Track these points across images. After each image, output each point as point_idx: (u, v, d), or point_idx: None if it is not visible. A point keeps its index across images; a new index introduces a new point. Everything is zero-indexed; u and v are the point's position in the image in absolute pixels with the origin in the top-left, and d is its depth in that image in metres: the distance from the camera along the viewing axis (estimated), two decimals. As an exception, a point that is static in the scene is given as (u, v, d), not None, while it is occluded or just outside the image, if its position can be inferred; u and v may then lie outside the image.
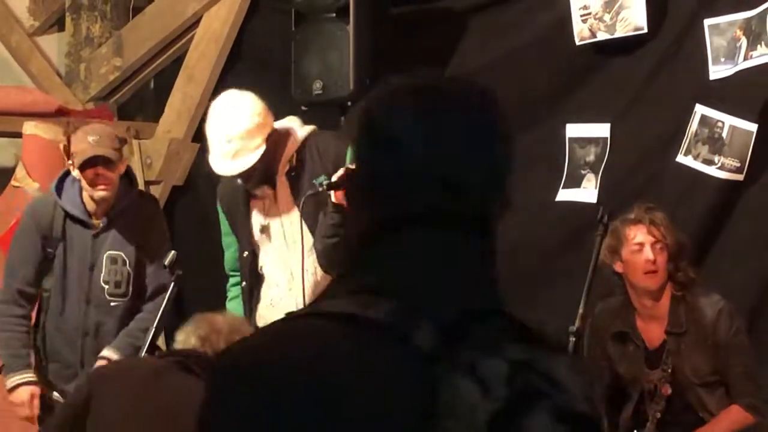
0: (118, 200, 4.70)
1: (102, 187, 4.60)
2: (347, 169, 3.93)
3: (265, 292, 4.55)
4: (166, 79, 6.77)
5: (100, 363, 4.58)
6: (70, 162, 4.69)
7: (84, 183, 4.61)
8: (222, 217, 4.69)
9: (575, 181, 5.34)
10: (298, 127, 4.54)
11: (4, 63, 7.08)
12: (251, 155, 4.32)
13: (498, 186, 1.61)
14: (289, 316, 1.58)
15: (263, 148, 4.33)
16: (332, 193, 4.08)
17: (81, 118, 6.67)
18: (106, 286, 4.67)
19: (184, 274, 4.47)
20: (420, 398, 1.41)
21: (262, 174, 4.43)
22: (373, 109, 1.62)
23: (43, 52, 7.06)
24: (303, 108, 5.74)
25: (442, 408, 1.40)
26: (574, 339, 3.55)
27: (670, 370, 4.34)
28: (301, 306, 4.43)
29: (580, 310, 3.61)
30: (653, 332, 4.39)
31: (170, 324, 4.73)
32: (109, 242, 4.69)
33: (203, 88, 6.33)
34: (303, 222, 4.36)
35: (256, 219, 4.53)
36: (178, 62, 6.59)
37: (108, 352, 4.62)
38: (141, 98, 7.03)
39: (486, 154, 1.61)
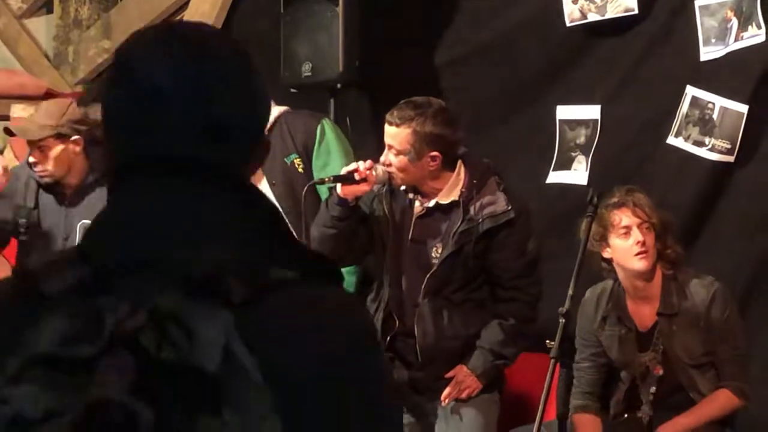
0: (91, 169, 4.70)
1: (40, 173, 4.63)
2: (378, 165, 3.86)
3: None
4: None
5: None
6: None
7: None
8: None
9: (565, 164, 5.33)
10: (274, 109, 4.53)
11: (-8, 46, 7.05)
12: None
13: (257, 130, 1.56)
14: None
15: None
16: (338, 185, 4.07)
17: (70, 100, 6.66)
18: None
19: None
20: None
21: None
22: (122, 52, 1.56)
23: (31, 34, 7.03)
24: (292, 90, 5.73)
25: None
26: (563, 321, 3.53)
27: (661, 351, 4.33)
28: None
29: (570, 292, 3.60)
30: (644, 314, 4.38)
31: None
32: (82, 211, 4.69)
33: (192, 71, 6.29)
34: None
35: None
36: (166, 45, 6.56)
37: None
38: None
39: (244, 96, 1.53)
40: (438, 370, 4.11)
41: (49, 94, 6.51)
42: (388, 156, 4.06)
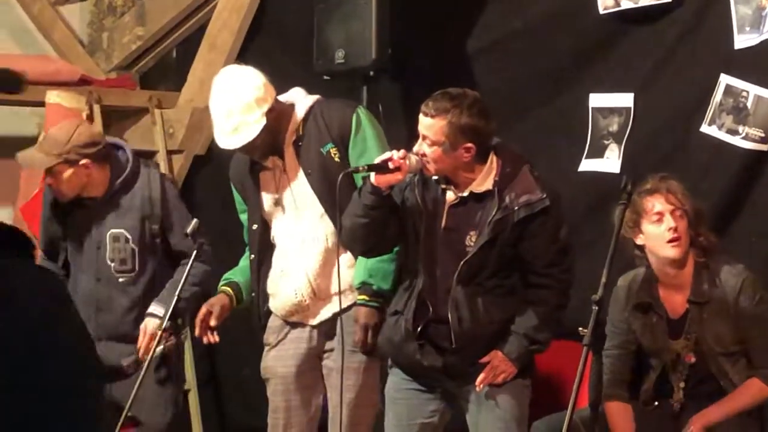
0: (113, 179, 4.76)
1: (56, 195, 4.81)
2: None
3: (276, 260, 4.57)
4: (188, 48, 6.77)
5: (149, 319, 4.71)
6: None
7: None
8: (235, 193, 4.70)
9: (598, 151, 5.32)
10: (302, 98, 4.54)
11: (27, 32, 7.09)
12: (250, 129, 4.33)
13: None
14: None
15: (263, 122, 4.34)
16: (372, 174, 4.09)
17: (104, 87, 6.69)
18: (112, 264, 4.78)
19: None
20: None
21: (266, 147, 4.44)
22: None
23: (65, 21, 7.06)
24: (325, 77, 5.74)
25: None
26: (596, 308, 3.53)
27: (693, 339, 4.33)
28: (309, 274, 4.46)
29: (603, 279, 3.59)
30: (676, 302, 4.38)
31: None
32: (111, 221, 4.77)
33: (225, 57, 6.32)
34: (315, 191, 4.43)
35: (268, 192, 4.54)
36: (200, 31, 6.60)
37: (154, 307, 4.74)
38: (163, 67, 7.03)
39: None
40: (472, 356, 4.13)
41: (83, 80, 6.55)
42: (421, 146, 4.07)
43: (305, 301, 4.48)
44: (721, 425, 4.26)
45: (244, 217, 4.70)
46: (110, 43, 6.93)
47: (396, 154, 4.03)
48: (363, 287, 4.42)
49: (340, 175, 4.19)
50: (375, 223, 4.12)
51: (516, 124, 5.38)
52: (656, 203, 4.31)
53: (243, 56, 6.41)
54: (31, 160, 4.83)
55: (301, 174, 4.45)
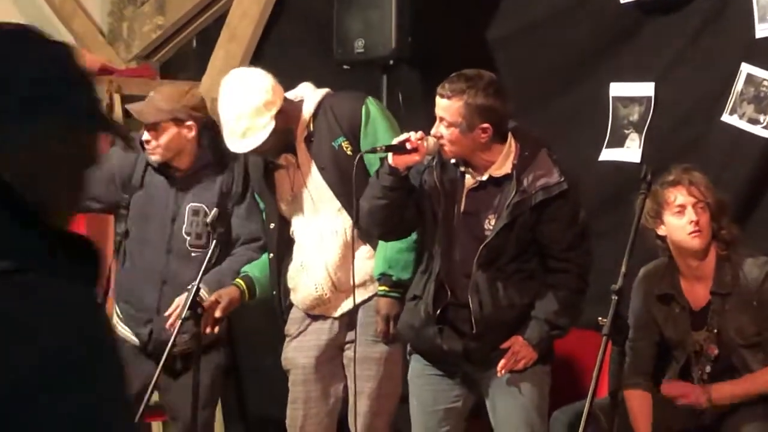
0: (201, 155, 4.74)
1: (150, 152, 4.68)
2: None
3: (296, 254, 4.58)
4: (208, 37, 6.78)
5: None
6: None
7: None
8: (253, 185, 4.71)
9: (619, 141, 5.31)
10: (311, 93, 4.53)
11: (47, 22, 7.10)
12: (260, 133, 4.35)
13: None
14: None
15: (272, 125, 4.35)
16: (389, 155, 4.09)
17: (124, 76, 6.71)
18: (188, 237, 4.74)
19: (227, 231, 4.50)
20: None
21: (278, 146, 4.46)
22: None
23: (86, 10, 7.08)
24: (344, 67, 5.74)
25: None
26: (615, 298, 3.53)
27: (715, 331, 4.32)
28: (329, 267, 4.46)
29: (623, 269, 3.59)
30: (698, 293, 4.37)
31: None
32: (191, 194, 4.74)
33: (245, 47, 6.33)
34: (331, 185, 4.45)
35: (284, 189, 4.55)
36: (220, 20, 6.60)
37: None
38: (183, 57, 7.04)
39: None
40: (493, 341, 4.13)
41: (103, 70, 6.56)
42: (438, 128, 4.07)
43: (326, 294, 4.49)
44: (744, 408, 4.25)
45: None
46: (130, 33, 6.94)
47: (413, 135, 4.04)
48: (383, 278, 4.43)
49: (357, 156, 4.20)
50: (393, 205, 4.13)
51: (536, 113, 5.37)
52: (678, 195, 4.30)
53: (262, 46, 6.42)
54: (140, 112, 4.73)
55: (315, 170, 4.46)
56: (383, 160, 4.15)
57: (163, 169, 4.78)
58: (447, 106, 4.05)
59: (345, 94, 4.60)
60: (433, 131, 4.09)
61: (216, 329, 4.56)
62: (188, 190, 4.77)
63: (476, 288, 4.08)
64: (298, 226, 4.57)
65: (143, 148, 4.75)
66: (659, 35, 5.22)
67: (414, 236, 4.37)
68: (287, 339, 4.69)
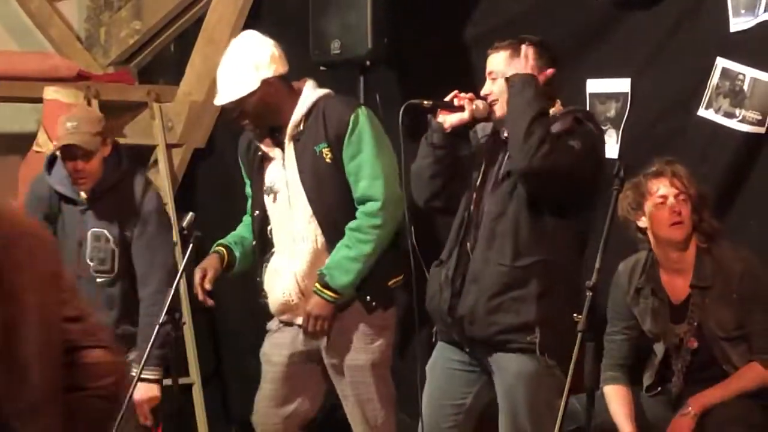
0: (106, 177, 4.70)
1: (81, 182, 4.65)
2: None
3: (273, 257, 4.55)
4: (186, 41, 6.77)
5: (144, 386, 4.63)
6: (55, 143, 4.71)
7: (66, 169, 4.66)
8: (242, 165, 4.69)
9: (596, 137, 5.31)
10: (309, 91, 4.50)
11: (24, 28, 7.08)
12: (240, 88, 4.34)
13: None
14: None
15: (256, 86, 4.33)
16: (437, 111, 4.10)
17: (102, 82, 6.69)
18: (91, 263, 4.69)
19: (205, 236, 4.48)
20: None
21: (258, 120, 4.40)
22: None
23: (62, 16, 7.06)
24: (321, 68, 5.74)
25: None
26: (590, 294, 3.52)
27: (695, 324, 4.33)
28: (297, 274, 4.42)
29: (597, 265, 3.59)
30: (678, 286, 4.38)
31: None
32: (94, 219, 4.71)
33: (223, 50, 6.29)
34: (305, 186, 4.41)
35: (269, 184, 4.52)
36: (197, 24, 6.59)
37: (144, 373, 4.53)
38: (161, 61, 7.03)
39: None
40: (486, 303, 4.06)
41: (81, 76, 6.55)
42: (486, 86, 4.08)
43: (293, 300, 4.47)
44: (725, 407, 4.26)
45: (248, 188, 4.68)
46: (108, 38, 6.93)
47: (462, 94, 4.05)
48: (319, 275, 4.38)
49: (402, 109, 4.11)
50: (438, 164, 4.10)
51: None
52: (661, 186, 4.32)
53: (240, 49, 6.41)
54: (85, 142, 4.64)
55: (296, 172, 4.43)
56: (431, 118, 4.14)
57: (68, 193, 4.75)
58: (495, 58, 4.11)
59: (340, 99, 4.56)
60: (483, 91, 4.09)
61: (212, 302, 4.47)
62: (92, 213, 4.73)
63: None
64: (276, 227, 4.55)
65: (49, 173, 4.72)
66: (635, 31, 5.23)
67: (368, 249, 4.34)
68: (268, 333, 4.67)
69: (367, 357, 4.47)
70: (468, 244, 4.09)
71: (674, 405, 4.35)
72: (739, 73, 4.86)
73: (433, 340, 4.32)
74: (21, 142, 6.44)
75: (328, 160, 4.37)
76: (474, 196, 4.11)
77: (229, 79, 4.38)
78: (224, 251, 4.58)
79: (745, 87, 4.84)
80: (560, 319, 3.92)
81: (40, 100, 6.19)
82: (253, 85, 4.33)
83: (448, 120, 4.07)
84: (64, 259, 4.64)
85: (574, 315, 3.53)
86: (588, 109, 5.26)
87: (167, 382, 4.66)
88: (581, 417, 4.01)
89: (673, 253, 4.36)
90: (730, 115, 4.88)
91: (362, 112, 4.43)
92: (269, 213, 4.53)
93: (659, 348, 4.44)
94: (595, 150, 4.04)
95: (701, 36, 5.01)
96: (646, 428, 4.41)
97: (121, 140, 6.77)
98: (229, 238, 4.66)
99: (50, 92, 6.14)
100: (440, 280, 4.13)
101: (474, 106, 4.05)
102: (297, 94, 4.45)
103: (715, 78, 4.92)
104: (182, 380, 6.23)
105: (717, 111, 4.92)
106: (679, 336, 4.37)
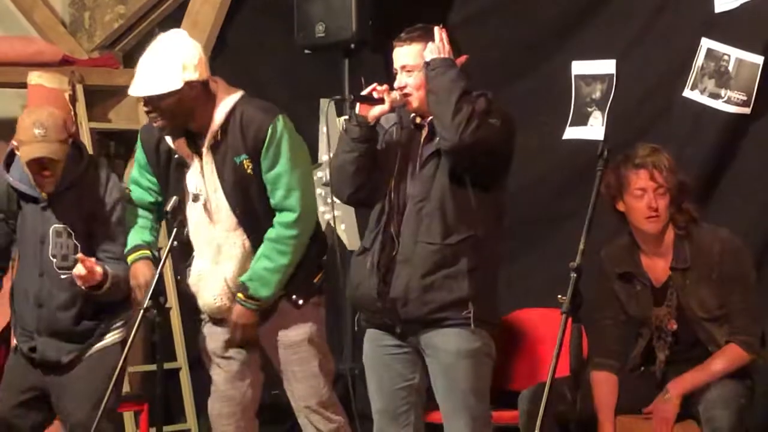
0: (66, 174, 4.65)
1: (46, 183, 4.61)
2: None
3: (195, 261, 4.52)
4: (170, 25, 6.72)
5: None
6: (14, 143, 4.65)
7: (29, 173, 4.62)
8: (140, 150, 4.59)
9: (582, 119, 5.32)
10: (224, 96, 4.37)
11: (8, 13, 7.05)
12: (161, 84, 4.24)
13: None
14: None
15: (177, 86, 4.24)
16: (357, 105, 4.09)
17: (87, 66, 6.66)
18: (54, 260, 4.66)
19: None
20: None
21: (172, 120, 4.33)
22: None
23: (46, 1, 7.02)
24: (306, 51, 5.72)
25: None
26: (574, 275, 3.52)
27: (675, 306, 4.33)
28: (228, 279, 4.39)
29: (581, 246, 3.58)
30: (658, 269, 4.39)
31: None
32: (55, 215, 4.67)
33: (207, 34, 6.30)
34: (227, 194, 4.38)
35: (191, 186, 4.47)
36: (182, 9, 6.56)
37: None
38: (146, 46, 6.95)
39: None
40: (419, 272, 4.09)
41: (65, 60, 6.52)
42: (400, 79, 4.08)
43: (226, 304, 4.46)
44: (712, 389, 4.27)
45: (137, 174, 4.61)
46: (92, 23, 6.90)
47: (378, 87, 4.06)
48: (242, 286, 4.39)
49: (328, 102, 4.16)
50: (362, 158, 4.10)
51: (499, 94, 5.31)
52: (640, 179, 4.32)
53: (225, 32, 6.39)
54: (52, 152, 4.56)
55: (216, 180, 4.39)
56: (351, 113, 4.15)
57: (28, 191, 4.68)
58: (408, 51, 4.08)
59: (257, 105, 4.44)
60: (396, 84, 4.10)
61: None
62: (53, 210, 4.67)
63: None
64: (194, 232, 4.49)
65: (7, 170, 4.69)
66: (620, 13, 5.24)
67: (286, 261, 4.35)
68: (203, 321, 4.65)
69: (302, 332, 4.48)
70: (392, 229, 4.12)
71: (659, 386, 4.36)
72: (724, 54, 4.87)
73: (356, 328, 4.36)
74: (6, 127, 6.41)
75: (249, 172, 4.34)
76: (393, 183, 4.14)
77: (152, 72, 4.29)
78: (150, 255, 4.56)
79: (730, 67, 4.85)
80: (491, 292, 4.05)
81: (24, 86, 6.14)
82: (176, 84, 4.26)
83: (370, 113, 4.08)
84: (26, 254, 4.67)
85: (558, 296, 3.53)
86: (574, 90, 5.29)
87: (152, 367, 4.64)
88: (567, 398, 4.02)
89: (650, 240, 4.37)
90: (715, 96, 4.89)
91: (279, 122, 4.35)
92: (188, 216, 4.47)
93: (645, 331, 4.45)
94: (512, 125, 4.10)
95: (686, 17, 5.02)
96: (630, 410, 4.41)
97: (106, 125, 6.84)
98: (140, 241, 4.60)
99: (34, 77, 6.08)
100: (366, 268, 4.16)
101: (392, 98, 4.06)
102: (213, 101, 4.38)
103: (700, 59, 4.93)
104: (169, 365, 6.24)
105: (702, 92, 4.92)
106: (660, 319, 4.38)
